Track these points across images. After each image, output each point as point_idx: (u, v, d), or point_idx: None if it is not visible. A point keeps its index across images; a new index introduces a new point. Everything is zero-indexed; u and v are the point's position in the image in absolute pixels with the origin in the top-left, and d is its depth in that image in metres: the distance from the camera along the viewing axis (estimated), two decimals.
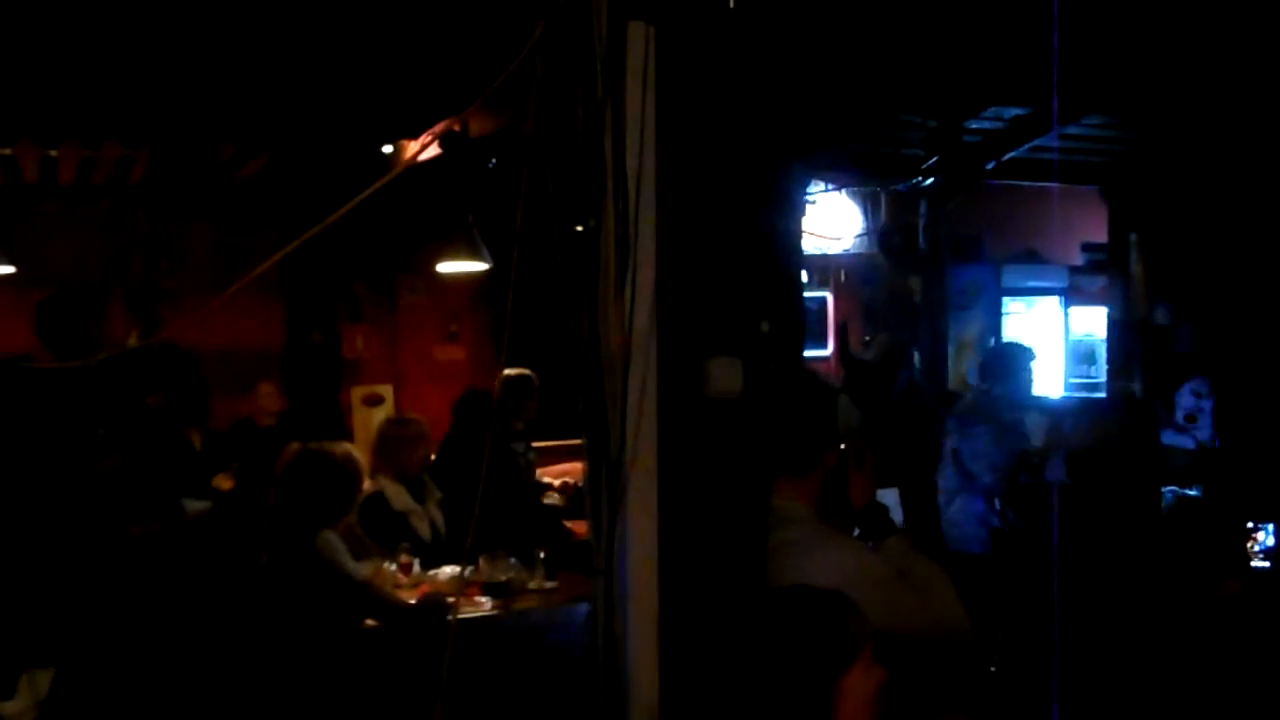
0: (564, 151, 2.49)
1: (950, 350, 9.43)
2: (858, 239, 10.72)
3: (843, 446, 2.94)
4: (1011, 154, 8.21)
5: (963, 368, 10.25)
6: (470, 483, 5.58)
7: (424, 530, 5.56)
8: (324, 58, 4.96)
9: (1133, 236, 9.60)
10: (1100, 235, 10.11)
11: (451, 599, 4.70)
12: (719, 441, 2.56)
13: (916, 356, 8.68)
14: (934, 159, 8.30)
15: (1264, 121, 7.24)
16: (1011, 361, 6.87)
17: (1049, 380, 11.04)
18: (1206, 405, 7.60)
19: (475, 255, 7.02)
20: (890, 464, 5.93)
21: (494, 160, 6.68)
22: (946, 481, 6.72)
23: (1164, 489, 6.01)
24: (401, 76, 5.20)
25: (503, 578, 5.04)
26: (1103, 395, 10.32)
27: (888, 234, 9.87)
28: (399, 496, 5.55)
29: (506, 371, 6.83)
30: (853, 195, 10.51)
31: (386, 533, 5.39)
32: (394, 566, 5.20)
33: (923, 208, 8.73)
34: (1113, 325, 10.04)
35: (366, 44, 4.78)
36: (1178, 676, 3.65)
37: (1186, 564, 4.35)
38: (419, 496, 5.66)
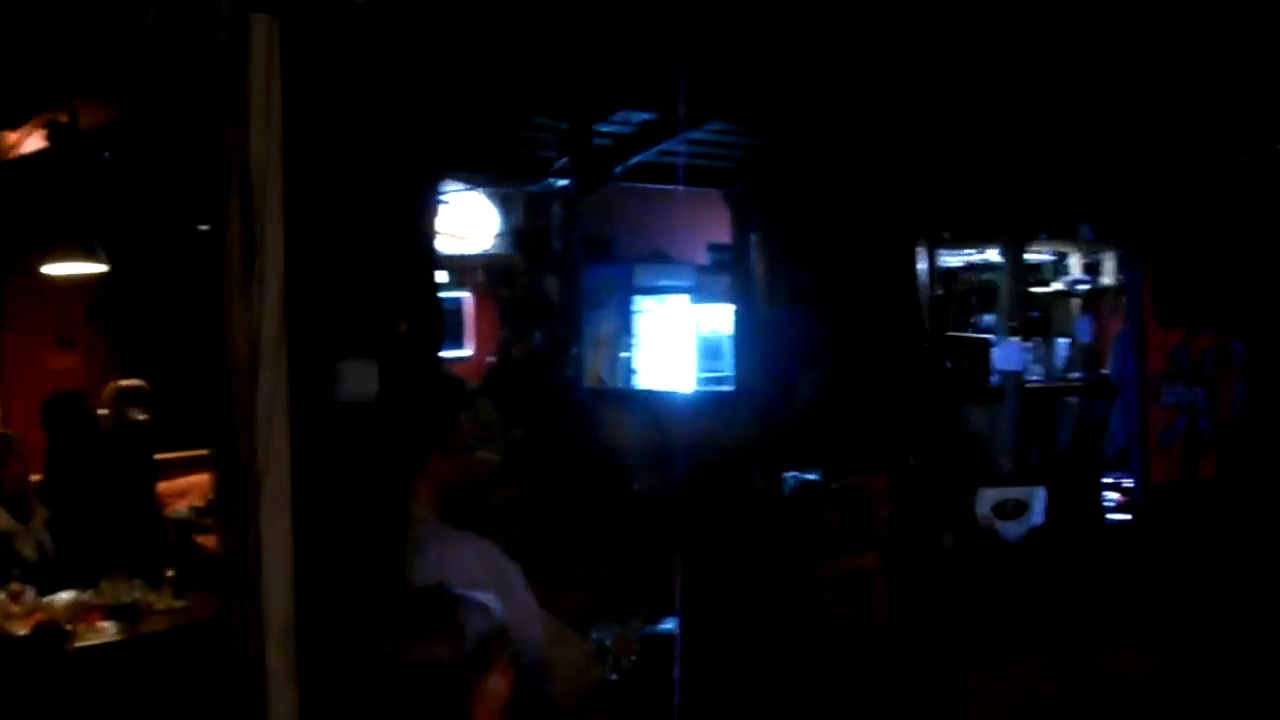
0: (186, 146, 2.37)
1: (587, 348, 9.64)
2: (495, 239, 10.76)
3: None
4: (640, 157, 8.49)
5: (599, 365, 10.50)
6: (81, 497, 5.34)
7: (29, 551, 5.22)
8: None
9: (753, 237, 10.10)
10: (724, 236, 10.59)
11: (69, 626, 4.43)
12: (354, 446, 2.50)
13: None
14: (565, 160, 8.46)
15: (871, 128, 7.81)
16: None
17: (683, 375, 11.49)
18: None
19: (89, 256, 6.54)
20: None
21: (108, 154, 6.25)
22: None
23: (785, 474, 6.36)
24: None
25: (127, 600, 4.76)
26: (730, 389, 10.80)
27: (524, 234, 9.96)
28: None
29: (119, 383, 6.43)
30: (489, 195, 10.54)
31: None
32: (4, 595, 4.81)
33: (556, 209, 8.89)
34: (737, 322, 10.53)
35: None
36: (792, 651, 3.86)
37: (801, 543, 4.60)
38: (21, 516, 5.30)
